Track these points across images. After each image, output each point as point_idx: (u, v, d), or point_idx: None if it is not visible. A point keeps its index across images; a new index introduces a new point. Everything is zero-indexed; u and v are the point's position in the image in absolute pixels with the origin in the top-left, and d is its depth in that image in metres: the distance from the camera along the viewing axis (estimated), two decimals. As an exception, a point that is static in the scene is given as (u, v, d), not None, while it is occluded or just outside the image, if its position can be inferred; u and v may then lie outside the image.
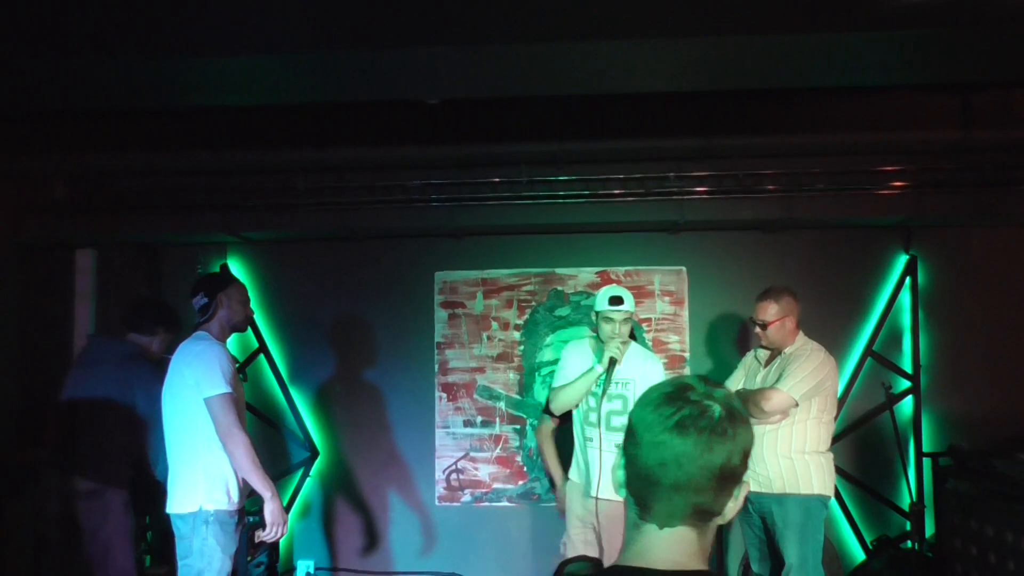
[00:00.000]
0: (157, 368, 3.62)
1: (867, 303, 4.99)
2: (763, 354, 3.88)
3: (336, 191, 4.74)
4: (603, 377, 3.58)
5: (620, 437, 3.68)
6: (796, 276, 4.70)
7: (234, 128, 4.61)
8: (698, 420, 1.22)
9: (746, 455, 1.24)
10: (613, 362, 3.57)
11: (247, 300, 3.48)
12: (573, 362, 3.78)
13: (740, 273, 4.95)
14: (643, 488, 1.25)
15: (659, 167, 4.59)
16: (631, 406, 3.71)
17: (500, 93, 3.98)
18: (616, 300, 3.63)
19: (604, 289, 3.77)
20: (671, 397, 1.25)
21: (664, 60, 3.71)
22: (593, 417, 3.68)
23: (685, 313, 5.02)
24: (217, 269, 5.01)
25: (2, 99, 3.89)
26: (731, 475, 1.23)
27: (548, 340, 5.06)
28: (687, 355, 5.00)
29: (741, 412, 1.26)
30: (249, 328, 4.08)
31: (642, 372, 3.67)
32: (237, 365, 3.55)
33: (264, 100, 3.90)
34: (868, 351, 4.92)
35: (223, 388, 3.10)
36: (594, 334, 3.81)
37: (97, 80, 3.65)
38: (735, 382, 4.06)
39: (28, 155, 4.67)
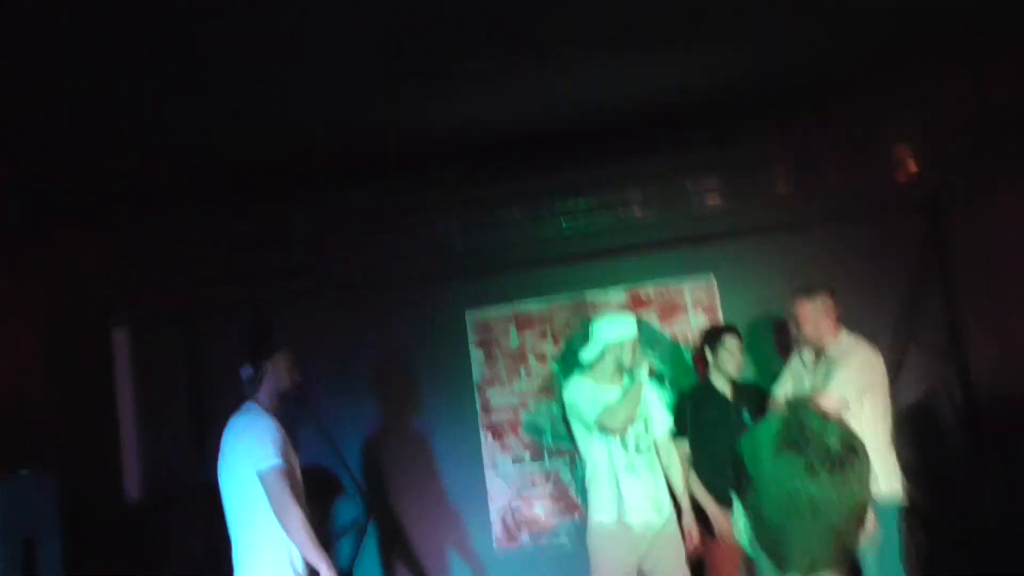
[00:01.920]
0: None
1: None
2: (808, 356, 3.87)
3: (357, 237, 4.75)
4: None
5: (648, 457, 3.70)
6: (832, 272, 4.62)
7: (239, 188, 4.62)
8: (824, 460, 1.12)
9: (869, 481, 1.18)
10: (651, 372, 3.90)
11: (291, 366, 3.41)
12: (590, 395, 3.95)
13: (768, 276, 4.91)
14: (776, 543, 1.16)
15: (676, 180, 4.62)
16: (652, 425, 3.82)
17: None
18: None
19: (610, 318, 4.07)
20: (788, 441, 1.15)
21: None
22: (631, 441, 3.84)
23: (721, 323, 5.00)
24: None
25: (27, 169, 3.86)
26: (864, 506, 1.16)
27: (587, 367, 5.04)
28: (727, 365, 4.97)
29: (854, 437, 1.17)
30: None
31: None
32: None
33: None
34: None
35: (274, 460, 3.04)
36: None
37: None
38: (783, 387, 4.05)
39: (60, 228, 4.63)
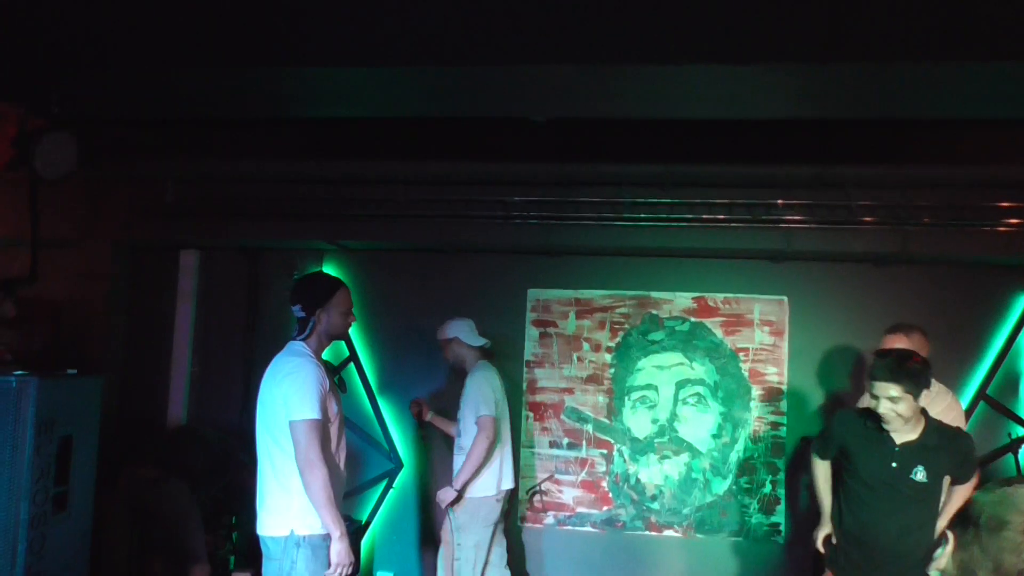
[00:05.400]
0: None
1: (981, 344, 4.71)
2: (885, 397, 3.67)
3: (436, 204, 4.74)
4: None
5: (460, 441, 4.30)
6: (907, 312, 4.46)
7: (338, 139, 4.66)
8: None
9: None
10: None
11: (349, 309, 3.27)
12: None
13: (847, 306, 4.75)
14: None
15: (767, 194, 4.44)
16: (464, 415, 4.26)
17: (609, 114, 3.91)
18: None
19: None
20: None
21: (780, 87, 3.59)
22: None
23: (785, 345, 4.84)
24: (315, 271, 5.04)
25: (121, 105, 4.02)
26: None
27: (640, 364, 4.94)
28: (785, 388, 4.81)
29: None
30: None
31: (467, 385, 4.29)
32: (336, 378, 3.48)
33: (374, 113, 3.90)
34: (981, 395, 4.64)
35: (310, 414, 2.96)
36: None
37: (214, 89, 3.73)
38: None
39: (142, 159, 4.82)
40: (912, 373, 3.09)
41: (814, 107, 3.73)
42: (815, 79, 3.42)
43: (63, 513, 2.80)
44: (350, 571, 3.05)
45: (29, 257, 4.04)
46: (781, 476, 4.77)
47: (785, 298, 4.85)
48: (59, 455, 2.76)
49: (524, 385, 5.03)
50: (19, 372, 2.71)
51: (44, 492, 2.69)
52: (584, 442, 4.97)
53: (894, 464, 3.18)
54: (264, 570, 3.06)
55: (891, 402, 3.10)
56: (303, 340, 3.17)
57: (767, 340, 4.85)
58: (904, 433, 3.18)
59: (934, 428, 3.23)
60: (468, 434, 4.22)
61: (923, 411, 3.23)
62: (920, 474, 3.17)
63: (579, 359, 5.01)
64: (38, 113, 3.60)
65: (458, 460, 4.28)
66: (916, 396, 3.10)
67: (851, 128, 4.25)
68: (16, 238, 4.12)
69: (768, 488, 4.78)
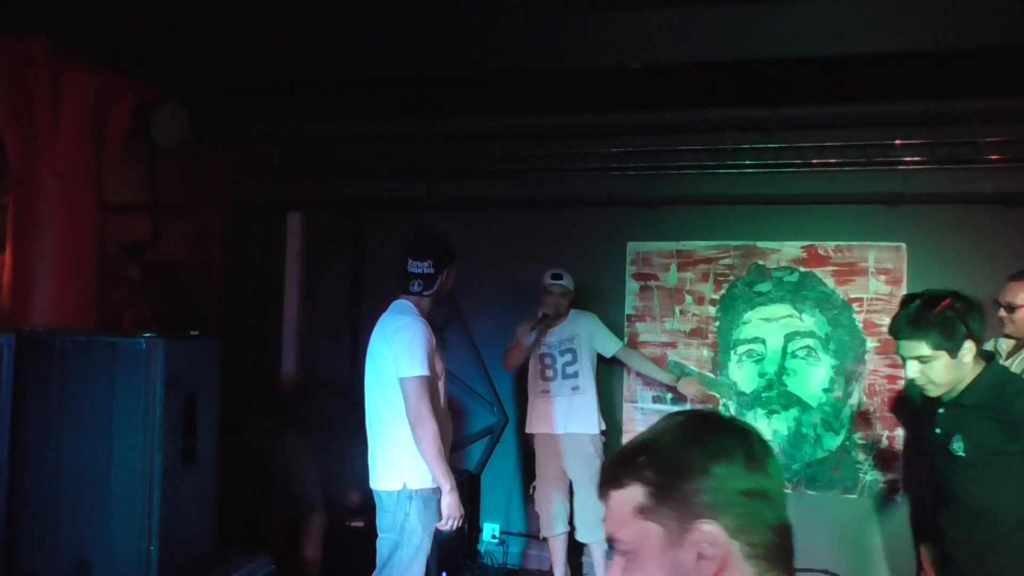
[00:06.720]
0: None
1: None
2: (1005, 345, 3.46)
3: (532, 158, 4.71)
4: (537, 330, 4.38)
5: (575, 382, 4.40)
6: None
7: (434, 97, 4.67)
8: None
9: None
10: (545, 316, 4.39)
11: (455, 274, 3.38)
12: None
13: (972, 252, 4.43)
14: None
15: (883, 134, 4.19)
16: (580, 357, 4.34)
17: (708, 58, 3.76)
18: (557, 275, 4.41)
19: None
20: None
21: (894, 18, 3.36)
22: (551, 372, 4.52)
23: (902, 294, 4.58)
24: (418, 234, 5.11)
25: (229, 71, 4.14)
26: None
27: (746, 317, 4.80)
28: (903, 340, 4.59)
29: None
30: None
31: (583, 327, 4.51)
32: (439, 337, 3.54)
33: (474, 68, 3.89)
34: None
35: (421, 371, 3.03)
36: None
37: (312, 53, 3.80)
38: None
39: (248, 124, 4.97)
40: (942, 322, 2.30)
41: (932, 38, 3.49)
42: (933, 6, 3.19)
43: (192, 465, 2.97)
44: (460, 523, 3.14)
45: (151, 222, 4.25)
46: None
47: (903, 244, 4.59)
48: (185, 412, 2.93)
49: (625, 339, 4.97)
50: (148, 334, 2.87)
51: (174, 446, 2.86)
52: (689, 397, 4.89)
53: (938, 430, 2.45)
54: (378, 522, 3.19)
55: (920, 363, 2.34)
56: (413, 299, 3.23)
57: (883, 290, 4.62)
58: (957, 390, 2.39)
59: (987, 382, 2.35)
60: (586, 374, 4.48)
61: (986, 355, 2.43)
62: (957, 445, 2.37)
63: (682, 312, 4.91)
64: (153, 84, 3.76)
65: (581, 399, 4.46)
66: (954, 352, 2.30)
67: (975, 59, 3.94)
68: (137, 204, 4.34)
69: (885, 444, 4.60)
